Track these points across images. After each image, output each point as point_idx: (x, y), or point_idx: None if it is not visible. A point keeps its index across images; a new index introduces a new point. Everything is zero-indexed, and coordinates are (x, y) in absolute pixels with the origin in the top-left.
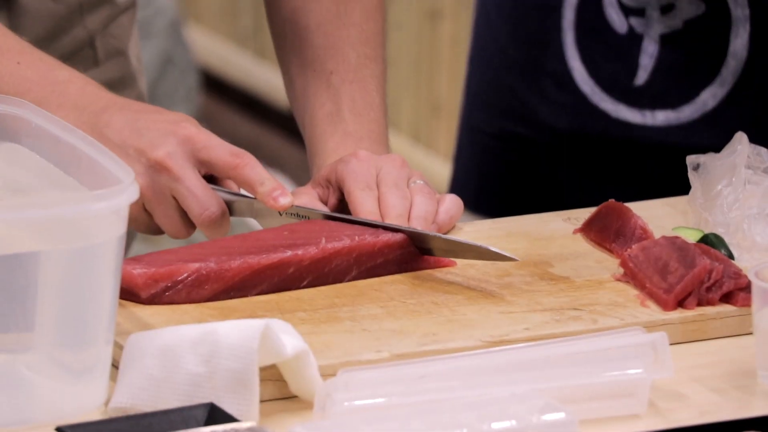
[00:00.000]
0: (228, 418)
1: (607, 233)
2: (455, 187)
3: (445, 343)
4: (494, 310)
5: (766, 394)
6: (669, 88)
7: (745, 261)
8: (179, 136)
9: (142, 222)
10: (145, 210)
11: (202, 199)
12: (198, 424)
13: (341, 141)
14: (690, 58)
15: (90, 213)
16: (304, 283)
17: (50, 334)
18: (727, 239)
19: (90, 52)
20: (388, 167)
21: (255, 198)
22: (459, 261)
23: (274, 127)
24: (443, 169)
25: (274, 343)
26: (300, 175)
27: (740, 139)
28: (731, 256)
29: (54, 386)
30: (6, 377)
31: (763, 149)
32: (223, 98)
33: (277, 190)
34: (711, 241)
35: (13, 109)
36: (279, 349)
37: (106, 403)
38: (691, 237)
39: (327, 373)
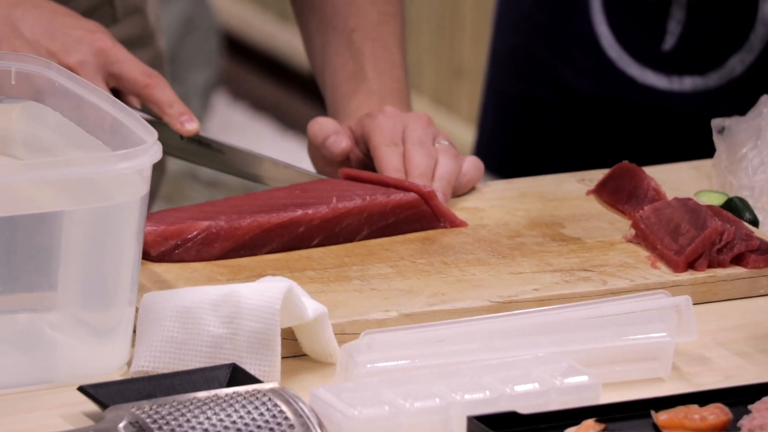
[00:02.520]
0: (250, 379)
1: (620, 194)
2: (479, 150)
3: (453, 303)
4: (504, 271)
5: None
6: (696, 54)
7: None
8: (94, 46)
9: None
10: None
11: None
12: (220, 385)
13: (365, 100)
14: (718, 24)
15: (113, 173)
16: (315, 242)
17: (73, 294)
18: (751, 202)
19: (108, 9)
20: (415, 125)
21: (159, 119)
22: (471, 222)
23: (296, 90)
24: (465, 133)
25: (296, 305)
26: None
27: (766, 102)
28: (755, 220)
29: (76, 346)
30: (29, 336)
31: None
32: (245, 61)
33: (185, 114)
34: (735, 204)
35: (36, 69)
36: (300, 312)
37: (129, 363)
38: (716, 201)
39: (336, 332)
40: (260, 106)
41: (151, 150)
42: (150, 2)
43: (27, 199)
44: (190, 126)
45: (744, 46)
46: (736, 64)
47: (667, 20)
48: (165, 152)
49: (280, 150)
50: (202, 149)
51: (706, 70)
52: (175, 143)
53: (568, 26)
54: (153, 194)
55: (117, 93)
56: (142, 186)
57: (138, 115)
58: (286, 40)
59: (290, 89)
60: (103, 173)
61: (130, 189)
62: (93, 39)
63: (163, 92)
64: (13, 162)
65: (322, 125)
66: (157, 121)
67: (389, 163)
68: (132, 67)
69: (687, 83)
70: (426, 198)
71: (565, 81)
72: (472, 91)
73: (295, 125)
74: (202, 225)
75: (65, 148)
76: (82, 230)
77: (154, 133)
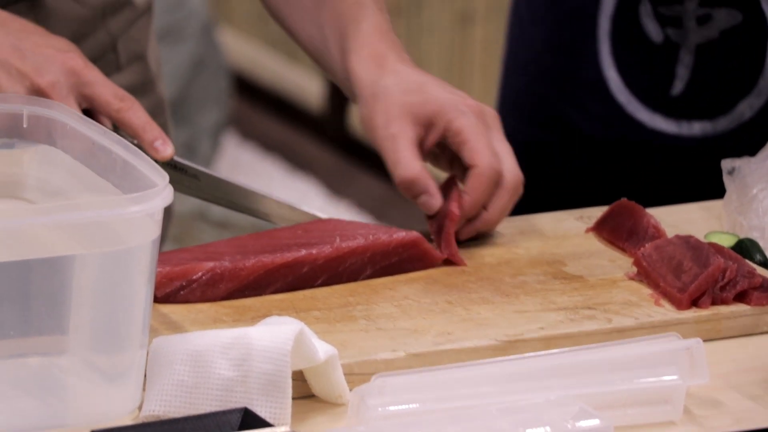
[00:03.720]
0: (262, 423)
1: (619, 232)
2: None
3: (460, 342)
4: (508, 309)
5: None
6: (705, 98)
7: None
8: (65, 66)
9: None
10: None
11: None
12: (232, 429)
13: (375, 24)
14: (727, 68)
15: (125, 216)
16: (319, 281)
17: (85, 338)
18: (762, 244)
19: (113, 56)
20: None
21: (132, 141)
22: (472, 260)
23: (306, 130)
24: None
25: (307, 347)
26: (331, 179)
27: None
28: (766, 261)
29: (88, 390)
30: (41, 380)
31: None
32: (255, 101)
33: (159, 139)
34: (746, 245)
35: (48, 112)
36: (311, 353)
37: (139, 407)
38: (726, 242)
39: (345, 372)
40: (269, 146)
41: (163, 193)
42: (151, 49)
43: (39, 243)
44: (164, 151)
45: (753, 90)
46: (745, 108)
47: (675, 65)
48: None
49: (290, 190)
50: (177, 174)
51: (715, 115)
52: None
53: (577, 70)
54: (162, 236)
55: (90, 113)
56: (154, 229)
57: (148, 158)
58: (295, 80)
59: (299, 129)
60: (115, 217)
61: (141, 232)
62: (64, 59)
63: (136, 115)
64: (25, 206)
65: (412, 179)
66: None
67: (485, 161)
68: (105, 90)
69: (696, 128)
70: (417, 242)
71: (573, 125)
72: None
73: (304, 165)
74: (207, 266)
75: (77, 191)
76: (93, 274)
77: (166, 177)
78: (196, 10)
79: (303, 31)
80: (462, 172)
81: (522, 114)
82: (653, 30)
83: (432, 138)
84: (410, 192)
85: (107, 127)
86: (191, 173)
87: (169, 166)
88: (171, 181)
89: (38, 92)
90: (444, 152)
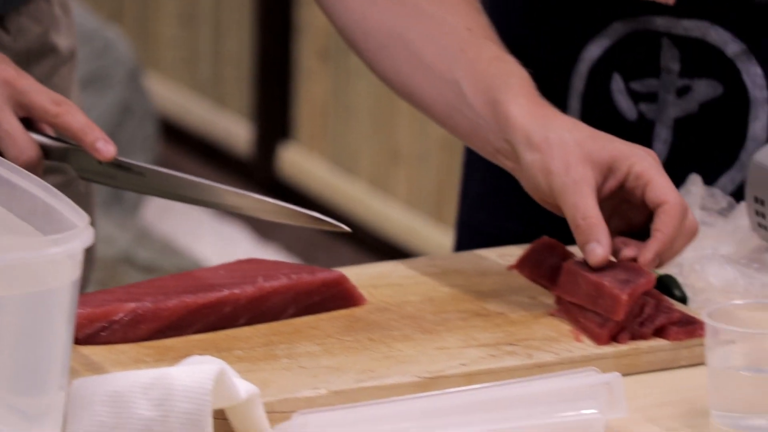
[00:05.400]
0: None
1: (541, 269)
2: None
3: (382, 380)
4: (430, 346)
5: None
6: (685, 174)
7: (698, 302)
8: None
9: None
10: None
11: (19, 143)
12: None
13: (524, 80)
14: (707, 142)
15: (45, 258)
16: (241, 321)
17: (4, 380)
18: (681, 280)
19: None
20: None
21: (74, 145)
22: (396, 299)
23: (234, 176)
24: (402, 215)
25: (227, 386)
26: (259, 223)
27: (694, 180)
28: (684, 297)
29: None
30: None
31: (717, 190)
32: (182, 146)
33: (101, 140)
34: (664, 281)
35: None
36: (232, 392)
37: None
38: None
39: (266, 410)
40: None
41: (83, 234)
42: (74, 96)
43: None
44: (107, 151)
45: (734, 164)
46: (727, 182)
47: (652, 141)
48: (85, 178)
49: (218, 234)
50: (122, 173)
51: None
52: (93, 168)
53: None
54: (85, 280)
55: (28, 122)
56: (74, 270)
57: (69, 201)
58: (223, 125)
59: (227, 174)
60: (35, 258)
61: (62, 274)
62: None
63: (74, 119)
64: None
65: (591, 225)
66: (74, 148)
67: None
68: (41, 97)
69: None
70: (340, 281)
71: (545, 213)
72: (408, 175)
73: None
74: (128, 306)
75: None
76: (13, 316)
77: (86, 218)
78: (123, 56)
79: (432, 89)
80: (623, 224)
81: (491, 208)
82: (626, 107)
83: (610, 185)
84: (585, 237)
85: (48, 134)
86: (137, 171)
87: (113, 165)
88: (116, 180)
89: None
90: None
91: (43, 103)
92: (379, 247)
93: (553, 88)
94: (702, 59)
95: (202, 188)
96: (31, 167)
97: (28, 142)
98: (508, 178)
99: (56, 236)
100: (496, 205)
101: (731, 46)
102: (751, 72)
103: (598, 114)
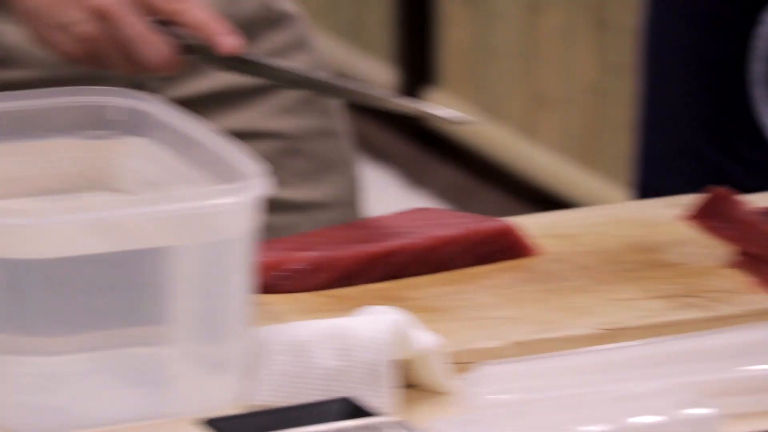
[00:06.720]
0: (367, 412)
1: (718, 219)
2: None
3: (560, 331)
4: (607, 298)
5: None
6: None
7: None
8: None
9: (90, 65)
10: (91, 56)
11: (151, 42)
12: (337, 418)
13: None
14: None
15: (221, 208)
16: (413, 270)
17: (187, 328)
18: None
19: None
20: None
21: (202, 44)
22: (568, 250)
23: (377, 121)
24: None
25: (409, 336)
26: (407, 168)
27: None
28: None
29: (191, 379)
30: (142, 371)
31: None
32: None
33: (226, 34)
34: None
35: (139, 104)
36: (414, 343)
37: (239, 397)
38: None
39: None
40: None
41: (258, 184)
42: None
43: (135, 235)
44: (232, 44)
45: None
46: None
47: None
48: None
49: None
50: (249, 66)
51: None
52: (222, 62)
53: (731, 119)
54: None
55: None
56: (250, 220)
57: (243, 149)
58: (364, 70)
59: (370, 119)
60: (212, 208)
61: (237, 224)
62: None
63: (199, 13)
64: (120, 198)
65: None
66: (200, 45)
67: None
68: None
69: None
70: (511, 231)
71: (731, 179)
72: (557, 119)
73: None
74: (310, 255)
75: (170, 183)
76: (191, 265)
77: (263, 167)
78: None
79: None
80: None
81: (672, 172)
82: None
83: None
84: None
85: (186, 33)
86: (265, 65)
87: (240, 60)
88: (247, 72)
89: (99, 13)
90: None
91: (162, 4)
92: (527, 193)
93: (731, 54)
94: None
95: (336, 81)
96: (170, 65)
97: (160, 41)
98: (696, 139)
99: (231, 186)
100: (682, 168)
101: None
102: None
103: None
